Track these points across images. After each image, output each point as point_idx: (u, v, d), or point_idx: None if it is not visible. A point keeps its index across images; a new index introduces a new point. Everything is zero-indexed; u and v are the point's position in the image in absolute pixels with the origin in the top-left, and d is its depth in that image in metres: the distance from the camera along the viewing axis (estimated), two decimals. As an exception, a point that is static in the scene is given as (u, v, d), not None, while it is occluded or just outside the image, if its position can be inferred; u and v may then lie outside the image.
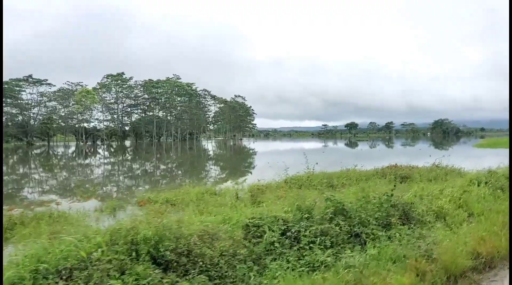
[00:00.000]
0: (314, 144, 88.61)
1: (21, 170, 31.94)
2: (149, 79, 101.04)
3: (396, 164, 15.70)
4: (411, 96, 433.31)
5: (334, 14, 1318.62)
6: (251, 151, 64.65)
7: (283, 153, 54.07)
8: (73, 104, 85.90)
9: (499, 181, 10.37)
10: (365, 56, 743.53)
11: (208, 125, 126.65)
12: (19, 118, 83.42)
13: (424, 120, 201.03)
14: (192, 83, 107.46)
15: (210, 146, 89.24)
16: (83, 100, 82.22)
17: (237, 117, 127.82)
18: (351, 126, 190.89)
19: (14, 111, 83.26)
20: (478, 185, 10.14)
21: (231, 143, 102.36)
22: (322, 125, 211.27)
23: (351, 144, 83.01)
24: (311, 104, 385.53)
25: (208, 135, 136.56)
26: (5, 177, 25.81)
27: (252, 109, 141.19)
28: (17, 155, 53.17)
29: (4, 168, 33.84)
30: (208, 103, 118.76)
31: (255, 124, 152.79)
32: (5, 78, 75.47)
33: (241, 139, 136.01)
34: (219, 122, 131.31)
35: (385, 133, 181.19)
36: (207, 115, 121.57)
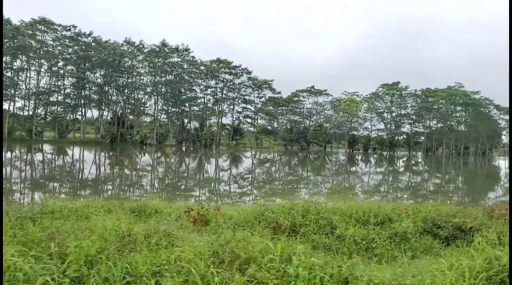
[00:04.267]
0: None
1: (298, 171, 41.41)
2: (426, 88, 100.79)
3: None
4: None
5: None
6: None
7: None
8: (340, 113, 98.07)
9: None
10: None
11: (497, 139, 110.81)
12: (301, 126, 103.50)
13: None
14: (475, 92, 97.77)
15: (500, 163, 79.22)
16: (347, 108, 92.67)
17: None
18: None
19: (296, 118, 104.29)
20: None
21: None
22: None
23: None
24: None
25: (503, 151, 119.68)
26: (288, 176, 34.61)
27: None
28: (297, 157, 67.41)
29: (286, 168, 44.71)
30: (492, 113, 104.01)
31: None
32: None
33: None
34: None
35: None
36: (500, 128, 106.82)
